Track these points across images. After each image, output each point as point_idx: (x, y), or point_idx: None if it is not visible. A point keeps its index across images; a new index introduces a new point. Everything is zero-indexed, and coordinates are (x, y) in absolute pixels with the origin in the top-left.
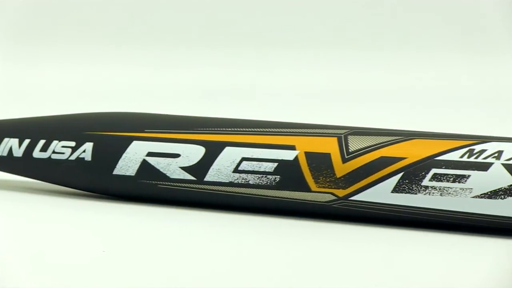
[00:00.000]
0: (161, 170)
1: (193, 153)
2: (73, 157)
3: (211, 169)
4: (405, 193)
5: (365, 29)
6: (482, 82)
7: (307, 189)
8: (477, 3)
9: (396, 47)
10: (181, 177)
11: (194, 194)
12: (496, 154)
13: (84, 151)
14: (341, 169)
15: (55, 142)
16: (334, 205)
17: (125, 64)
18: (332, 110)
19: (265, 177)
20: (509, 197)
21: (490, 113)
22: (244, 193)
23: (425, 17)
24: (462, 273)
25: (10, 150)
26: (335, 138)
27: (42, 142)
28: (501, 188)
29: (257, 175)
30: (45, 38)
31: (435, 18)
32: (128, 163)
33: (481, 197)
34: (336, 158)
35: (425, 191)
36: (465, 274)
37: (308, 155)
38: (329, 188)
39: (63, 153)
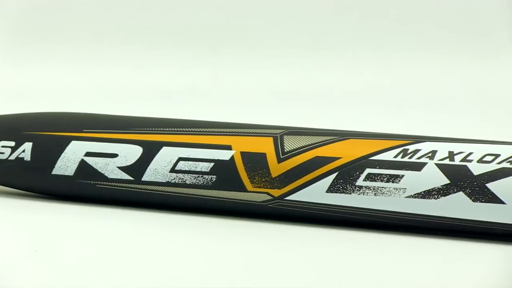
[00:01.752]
0: (99, 170)
1: (130, 153)
2: (12, 157)
3: (148, 169)
4: (339, 193)
5: (362, 29)
6: (479, 84)
7: (243, 189)
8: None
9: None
10: (119, 177)
11: (132, 194)
12: (429, 154)
13: (23, 151)
14: (276, 169)
15: None
16: (270, 205)
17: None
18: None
19: (202, 177)
20: (443, 197)
21: (487, 116)
22: (181, 193)
23: (422, 17)
24: (393, 273)
25: None
26: (271, 138)
27: None
28: (434, 188)
29: (194, 175)
30: (45, 38)
31: (432, 18)
32: (67, 163)
33: (415, 197)
34: (271, 158)
35: (359, 191)
36: (397, 274)
37: (244, 155)
38: (264, 188)
39: (3, 153)
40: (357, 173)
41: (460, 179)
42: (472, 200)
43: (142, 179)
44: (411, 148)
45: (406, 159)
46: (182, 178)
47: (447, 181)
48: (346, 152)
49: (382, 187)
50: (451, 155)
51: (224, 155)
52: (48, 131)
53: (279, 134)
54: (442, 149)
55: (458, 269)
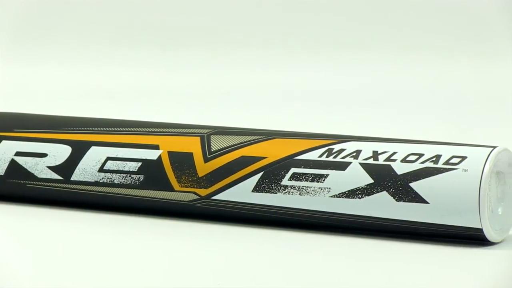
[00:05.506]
0: (29, 169)
1: (59, 153)
2: None
3: (77, 169)
4: (265, 192)
5: (363, 30)
6: (481, 85)
7: (171, 189)
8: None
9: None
10: (49, 176)
11: (62, 194)
12: (354, 154)
13: None
14: (203, 168)
15: None
16: (197, 205)
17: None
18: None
19: (130, 176)
20: (367, 197)
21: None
22: (110, 193)
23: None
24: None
25: None
26: (198, 138)
27: None
28: (358, 187)
29: (122, 174)
30: (44, 38)
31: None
32: None
33: (339, 197)
34: (198, 157)
35: (285, 190)
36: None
37: (171, 154)
38: (191, 187)
39: None
40: (282, 172)
41: (383, 178)
42: (396, 200)
43: (71, 178)
44: (336, 147)
45: (330, 158)
46: (111, 178)
47: (371, 181)
48: (272, 151)
49: (307, 187)
50: (375, 155)
51: (152, 154)
52: None
53: (206, 134)
54: (367, 149)
55: (374, 268)
